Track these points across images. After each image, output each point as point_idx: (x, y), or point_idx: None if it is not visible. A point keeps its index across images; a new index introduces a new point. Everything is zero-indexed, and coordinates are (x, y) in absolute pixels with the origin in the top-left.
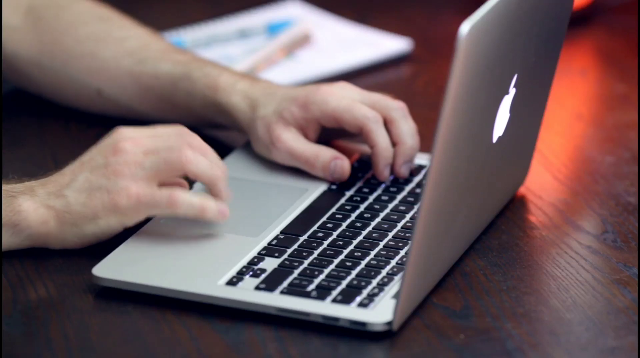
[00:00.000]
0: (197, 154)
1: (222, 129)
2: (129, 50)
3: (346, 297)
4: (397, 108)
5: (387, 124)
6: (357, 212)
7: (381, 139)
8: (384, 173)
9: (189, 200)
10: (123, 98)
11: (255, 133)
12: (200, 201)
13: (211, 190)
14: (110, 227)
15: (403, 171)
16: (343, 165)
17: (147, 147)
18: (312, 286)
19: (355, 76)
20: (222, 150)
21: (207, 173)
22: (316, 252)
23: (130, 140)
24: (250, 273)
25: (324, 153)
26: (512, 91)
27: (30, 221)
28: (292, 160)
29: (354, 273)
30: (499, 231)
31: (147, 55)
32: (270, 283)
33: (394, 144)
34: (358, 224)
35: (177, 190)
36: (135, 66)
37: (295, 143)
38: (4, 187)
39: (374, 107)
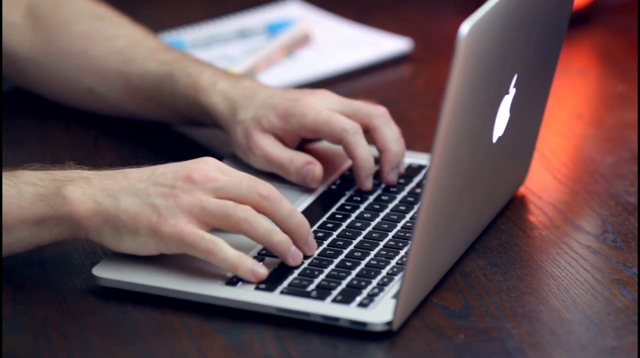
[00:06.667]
0: (259, 217)
1: (207, 128)
2: (118, 49)
3: (346, 297)
4: (379, 115)
5: (370, 132)
6: (357, 212)
7: (360, 151)
8: (366, 184)
9: (224, 255)
10: (113, 97)
11: (234, 137)
12: (234, 259)
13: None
14: (147, 246)
15: (391, 177)
16: (314, 170)
17: (217, 186)
18: (312, 286)
19: (355, 76)
20: (222, 150)
21: (262, 240)
22: (316, 252)
23: (204, 172)
24: None
25: (298, 158)
26: (512, 91)
27: (76, 212)
28: (268, 165)
29: (354, 273)
30: (499, 231)
31: (135, 54)
32: (270, 283)
33: (379, 151)
34: (358, 224)
35: (219, 242)
36: (123, 65)
37: (271, 149)
38: (53, 172)
39: (355, 116)
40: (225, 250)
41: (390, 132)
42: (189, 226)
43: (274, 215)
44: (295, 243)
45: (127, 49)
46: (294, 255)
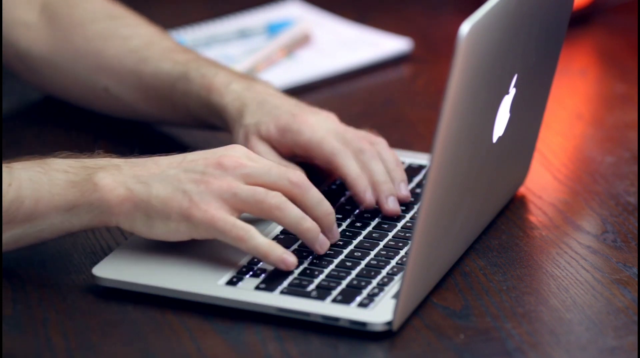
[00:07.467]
0: (290, 204)
1: (219, 131)
2: (132, 48)
3: (346, 297)
4: (366, 150)
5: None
6: (357, 212)
7: (350, 170)
8: (365, 201)
9: (255, 243)
10: (127, 96)
11: (236, 139)
12: (265, 247)
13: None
14: (178, 232)
15: (391, 205)
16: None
17: (248, 172)
18: (312, 286)
19: (355, 76)
20: None
21: (292, 227)
22: None
23: (234, 159)
24: (250, 273)
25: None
26: (512, 91)
27: (107, 199)
28: None
29: (354, 273)
30: (499, 231)
31: (149, 54)
32: (270, 283)
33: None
34: (358, 224)
35: (250, 229)
36: (137, 64)
37: (265, 156)
38: (83, 159)
39: (347, 146)
40: (256, 238)
41: (377, 167)
42: (220, 212)
43: (303, 202)
44: (321, 230)
45: (141, 49)
46: (321, 243)
